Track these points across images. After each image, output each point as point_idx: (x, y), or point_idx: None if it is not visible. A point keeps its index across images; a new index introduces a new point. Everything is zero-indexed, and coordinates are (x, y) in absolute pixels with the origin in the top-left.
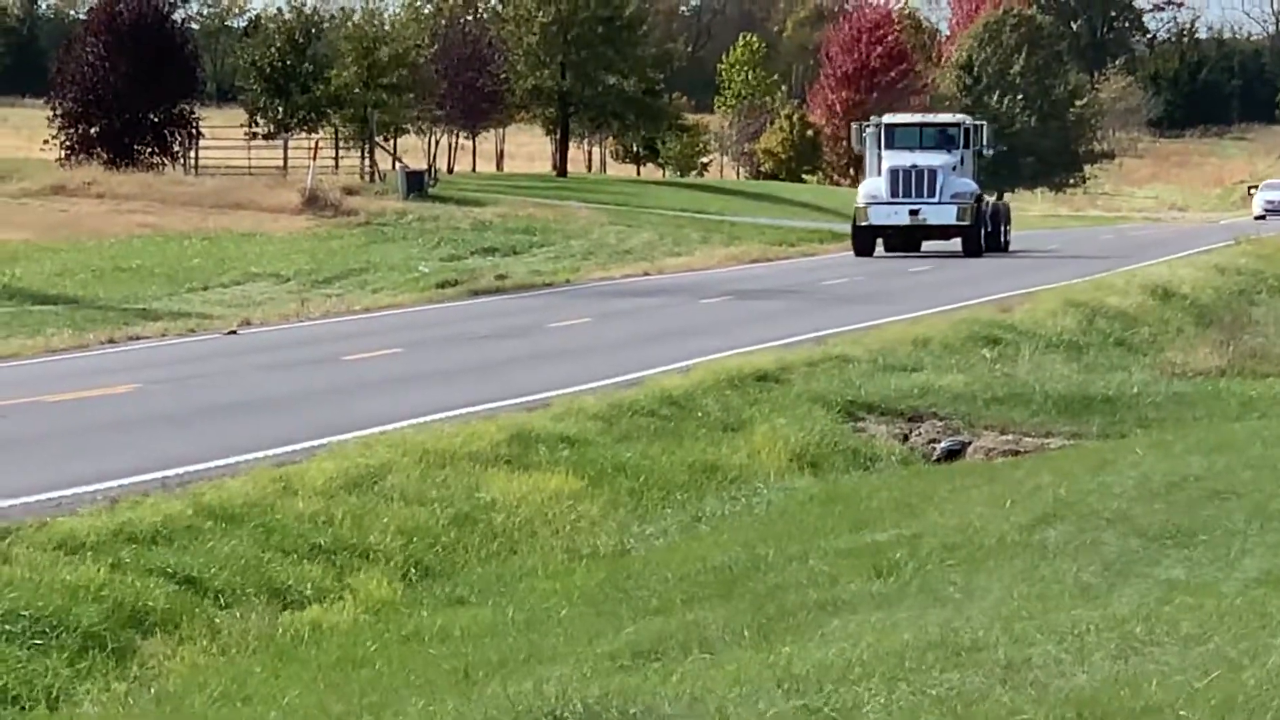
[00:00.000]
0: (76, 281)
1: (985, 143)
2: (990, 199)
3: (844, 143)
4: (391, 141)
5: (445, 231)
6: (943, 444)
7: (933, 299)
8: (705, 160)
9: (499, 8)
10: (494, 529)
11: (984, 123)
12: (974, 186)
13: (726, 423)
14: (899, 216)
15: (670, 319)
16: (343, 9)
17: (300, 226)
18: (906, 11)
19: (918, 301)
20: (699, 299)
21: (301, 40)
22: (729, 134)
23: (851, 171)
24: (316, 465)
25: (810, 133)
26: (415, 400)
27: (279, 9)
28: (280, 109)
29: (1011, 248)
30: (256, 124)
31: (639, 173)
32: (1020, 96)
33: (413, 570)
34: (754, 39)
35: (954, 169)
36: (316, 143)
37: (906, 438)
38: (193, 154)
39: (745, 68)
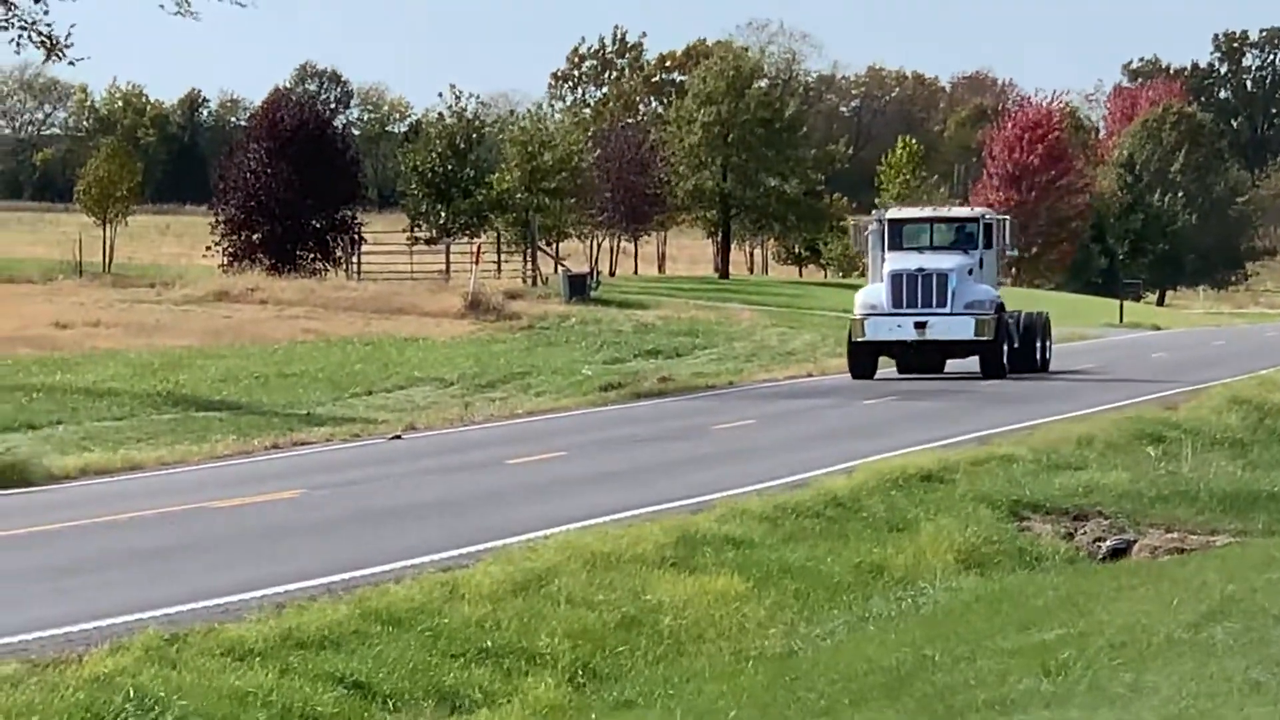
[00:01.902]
0: (240, 387)
1: (1008, 241)
2: (1023, 310)
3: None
4: (554, 245)
5: (608, 334)
6: (1108, 542)
7: (1097, 398)
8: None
9: (660, 110)
10: (661, 631)
11: (1007, 218)
12: (994, 294)
13: (891, 523)
14: (902, 330)
15: (833, 420)
16: (511, 112)
17: (463, 331)
18: (1067, 110)
19: (1080, 400)
20: (862, 400)
21: (463, 145)
22: None
23: (1014, 270)
24: (483, 569)
25: None
26: (580, 503)
27: (440, 114)
28: (442, 213)
29: (1053, 366)
30: (418, 229)
31: (801, 274)
32: (1181, 194)
33: (580, 673)
34: (913, 140)
35: (970, 272)
36: (478, 247)
37: (1071, 536)
38: (355, 259)
39: (905, 168)
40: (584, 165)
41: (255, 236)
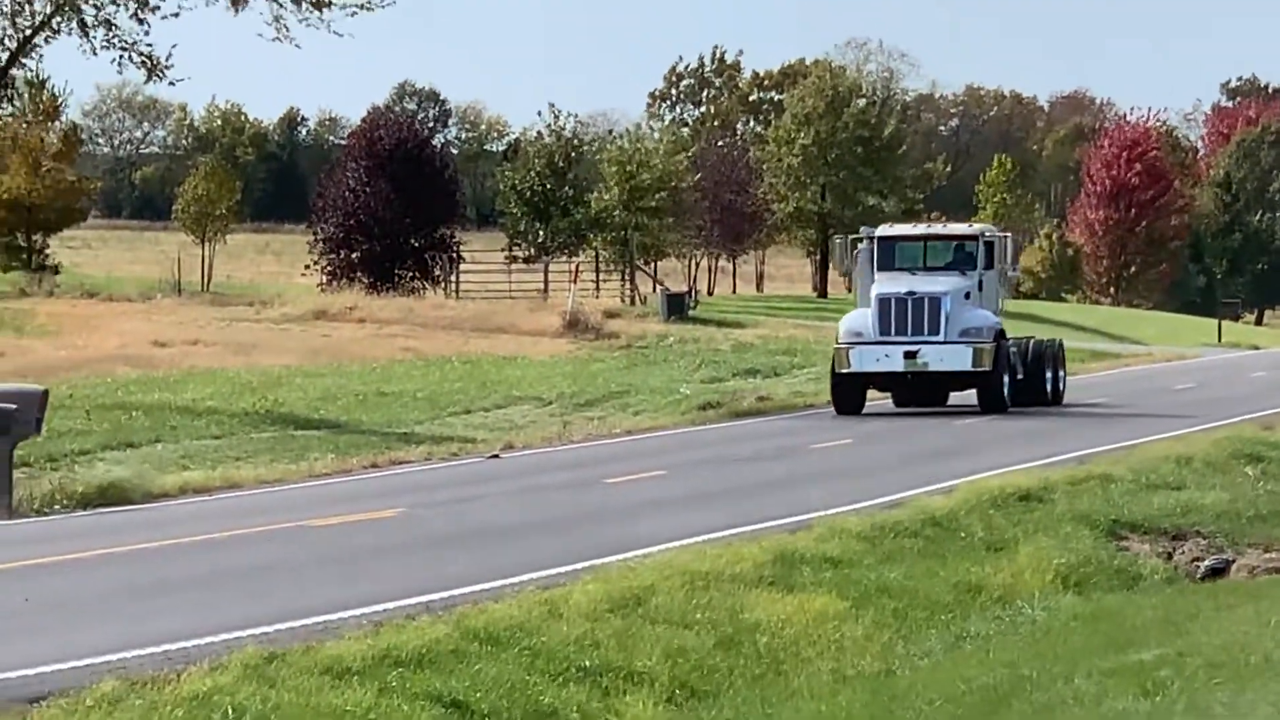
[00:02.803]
0: (339, 406)
1: (1011, 261)
2: (1032, 338)
3: (1104, 261)
4: (652, 264)
5: (706, 353)
6: (1206, 562)
7: (1195, 417)
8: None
9: (759, 129)
10: (759, 650)
11: (1008, 235)
12: (994, 319)
13: (989, 542)
14: (891, 361)
15: (931, 439)
16: (609, 131)
17: (561, 349)
18: (1164, 129)
19: (1178, 420)
20: (956, 420)
21: (562, 164)
22: None
23: (1113, 290)
24: (581, 588)
25: (1070, 251)
26: (678, 522)
27: (539, 133)
28: (541, 232)
29: (1067, 399)
30: (517, 248)
31: None
32: (1279, 213)
33: (678, 692)
34: (1009, 160)
35: (967, 295)
36: (577, 266)
37: (1170, 556)
38: (453, 278)
39: (1003, 187)
40: (682, 184)
41: (354, 255)
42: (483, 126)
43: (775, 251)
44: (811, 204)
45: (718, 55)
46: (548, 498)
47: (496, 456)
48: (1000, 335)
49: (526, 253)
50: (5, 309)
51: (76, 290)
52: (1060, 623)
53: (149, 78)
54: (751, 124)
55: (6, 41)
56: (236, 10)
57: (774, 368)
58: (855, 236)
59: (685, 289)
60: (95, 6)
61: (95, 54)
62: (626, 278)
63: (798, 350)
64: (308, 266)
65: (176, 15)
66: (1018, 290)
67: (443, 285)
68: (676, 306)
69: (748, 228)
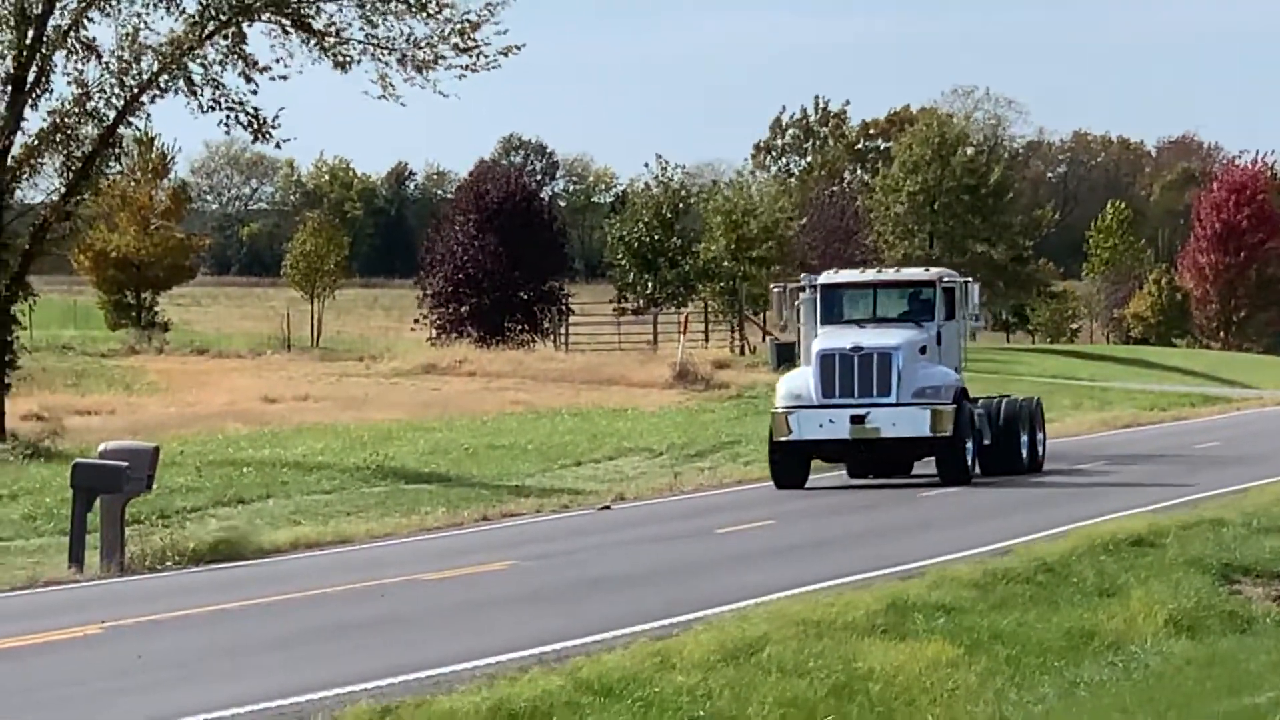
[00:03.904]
0: (449, 459)
1: (975, 310)
2: (1004, 397)
3: (1213, 305)
4: (761, 314)
5: None
6: None
7: None
8: (1074, 326)
9: (866, 178)
10: (872, 699)
11: (970, 280)
12: (954, 377)
13: (1101, 588)
14: (836, 427)
15: (1043, 485)
16: (714, 182)
17: (671, 400)
18: (1272, 173)
19: None
20: (1072, 465)
21: (670, 215)
22: (1097, 299)
23: (1222, 334)
24: (694, 638)
25: (1179, 296)
26: (789, 571)
27: (646, 184)
28: (649, 283)
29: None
30: (625, 299)
31: (1008, 339)
32: None
33: None
34: (1122, 205)
35: (923, 350)
36: (686, 317)
37: None
38: (563, 330)
39: (1114, 233)
40: (789, 233)
41: (463, 309)
42: (590, 178)
43: None
44: (919, 251)
45: (822, 105)
46: (659, 548)
47: (607, 508)
48: (962, 395)
49: (635, 304)
50: (115, 366)
51: (186, 347)
52: (1173, 668)
53: (255, 138)
54: (859, 172)
55: (114, 100)
56: (344, 71)
57: None
58: (796, 285)
59: (794, 339)
60: (203, 66)
61: (203, 112)
62: (735, 328)
63: None
64: (417, 321)
65: (285, 78)
66: (1128, 336)
67: (552, 338)
68: (786, 356)
69: None
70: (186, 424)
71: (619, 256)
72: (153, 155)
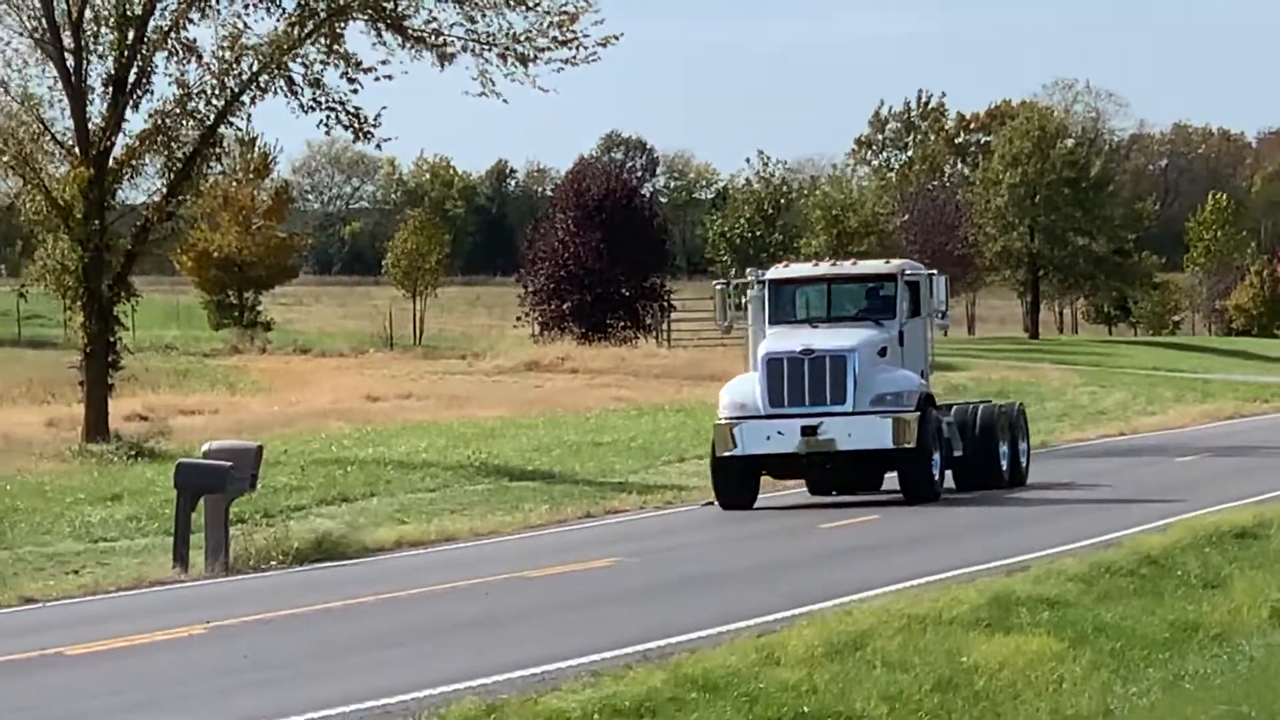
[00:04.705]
0: (552, 457)
1: (941, 306)
2: (979, 403)
3: None
4: None
5: None
6: None
7: None
8: (1176, 318)
9: (966, 172)
10: (977, 693)
11: (935, 273)
12: (917, 382)
13: (1206, 580)
14: (785, 439)
15: (1147, 478)
16: (813, 178)
17: None
18: None
19: None
20: (1175, 458)
21: (771, 210)
22: (1199, 291)
23: None
24: (798, 633)
25: None
26: (892, 567)
27: (747, 180)
28: None
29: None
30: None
31: (1110, 332)
32: None
33: None
34: (1223, 197)
35: (883, 352)
36: None
37: None
38: (665, 327)
39: (1215, 225)
40: (890, 228)
41: (565, 306)
42: (690, 175)
43: (986, 293)
44: (1020, 244)
45: (922, 99)
46: (762, 544)
47: (711, 504)
48: (927, 401)
49: (737, 300)
50: (218, 366)
51: (288, 346)
52: (1279, 660)
53: (356, 138)
54: (958, 166)
55: (214, 100)
56: (443, 67)
57: None
58: (741, 280)
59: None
60: (304, 65)
61: (304, 112)
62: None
63: (1010, 392)
64: (519, 318)
65: (390, 78)
66: (1229, 327)
67: (654, 334)
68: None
69: (958, 270)
70: (289, 423)
71: (720, 252)
72: (254, 155)
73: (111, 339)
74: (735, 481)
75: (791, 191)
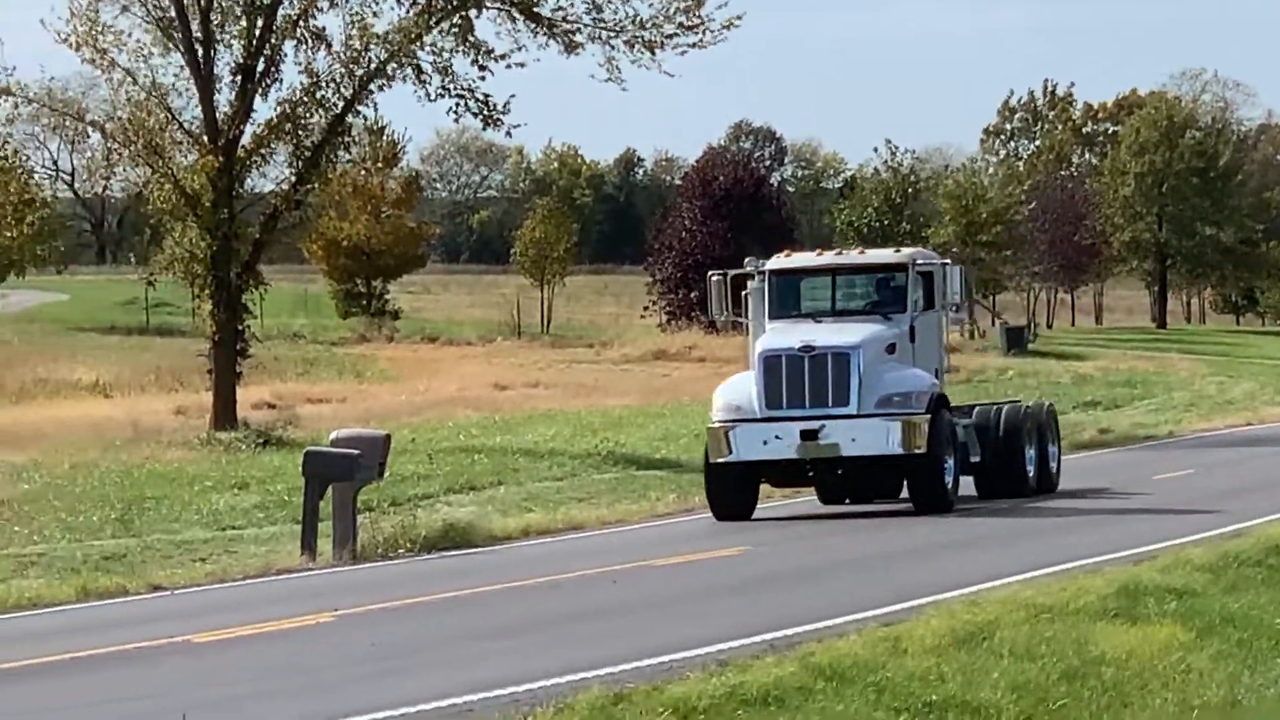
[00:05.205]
0: (680, 445)
1: (957, 297)
2: (1004, 403)
3: None
4: (990, 298)
5: (1046, 386)
6: None
7: None
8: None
9: (1094, 162)
10: (1104, 683)
11: (949, 262)
12: (928, 381)
13: None
14: (783, 444)
15: (1275, 468)
16: (945, 166)
17: None
18: None
19: None
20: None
21: (899, 199)
22: None
23: None
24: (924, 623)
25: None
26: (1020, 555)
27: (875, 169)
28: None
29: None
30: None
31: (1238, 322)
32: None
33: None
34: None
35: (892, 349)
36: None
37: None
38: None
39: None
40: (1019, 218)
41: (692, 295)
42: (818, 164)
43: (1114, 283)
44: (1148, 234)
45: (1049, 88)
46: (890, 532)
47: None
48: (939, 402)
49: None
50: (346, 354)
51: (416, 335)
52: None
53: (485, 125)
54: (1086, 156)
55: (343, 89)
56: (570, 54)
57: (1114, 399)
58: (739, 272)
59: (1024, 322)
60: (433, 53)
61: (431, 100)
62: (965, 312)
63: (1138, 382)
64: (647, 308)
65: (523, 66)
66: None
67: None
68: (1016, 340)
69: (1085, 260)
70: (417, 411)
71: (848, 241)
72: (383, 144)
73: (240, 327)
74: (731, 490)
75: (919, 181)
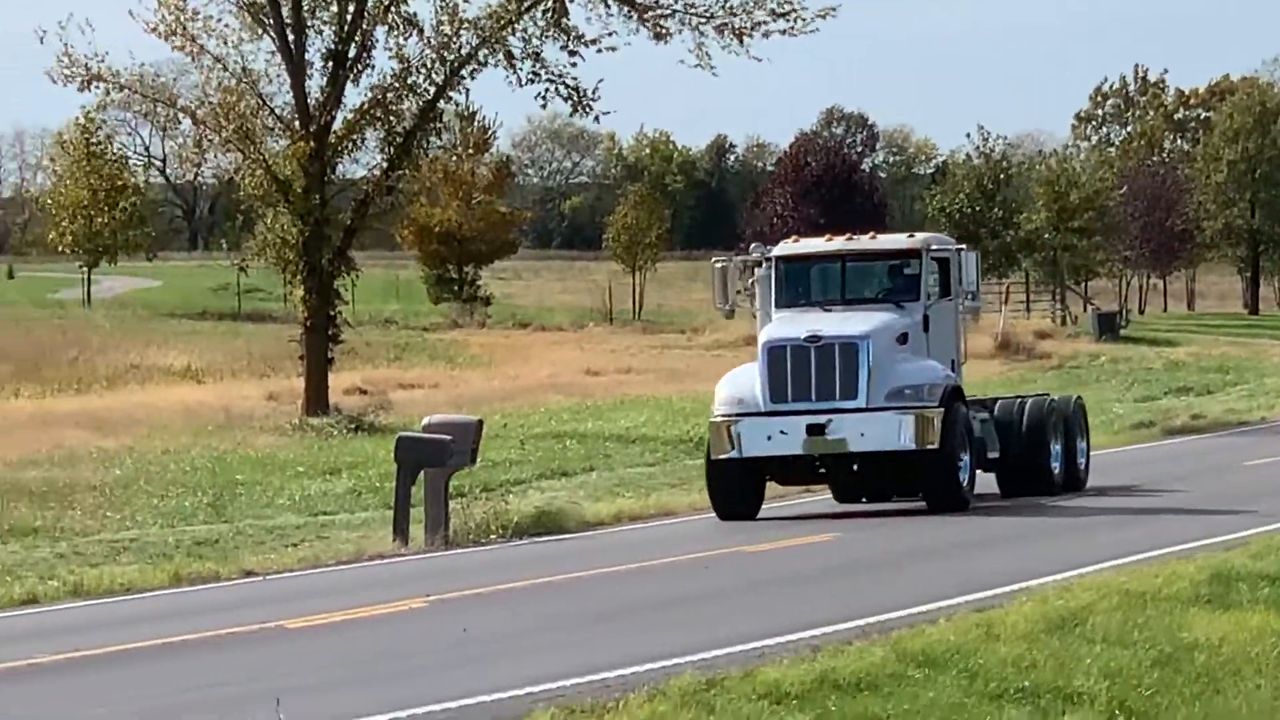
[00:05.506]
0: None
1: (972, 286)
2: (1028, 397)
3: None
4: (1082, 284)
5: (1138, 372)
6: None
7: None
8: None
9: (1186, 148)
10: (1196, 669)
11: (964, 248)
12: (942, 373)
13: None
14: (788, 439)
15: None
16: (1038, 152)
17: (994, 371)
18: None
19: None
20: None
21: (991, 186)
22: None
23: None
24: (1016, 609)
25: None
26: (1111, 541)
27: (967, 155)
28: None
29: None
30: None
31: None
32: None
33: (1117, 713)
34: None
35: (904, 339)
36: (1008, 287)
37: None
38: None
39: None
40: (1111, 204)
41: None
42: (910, 150)
43: (1206, 269)
44: (1240, 220)
45: (1140, 74)
46: (977, 521)
47: None
48: (954, 395)
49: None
50: (438, 340)
51: (508, 321)
52: None
53: (574, 111)
54: (1179, 142)
55: (434, 74)
56: (661, 42)
57: (1206, 385)
58: (745, 258)
59: (1116, 308)
60: (523, 39)
61: (521, 85)
62: (1057, 298)
63: (1230, 368)
64: (739, 292)
65: (614, 49)
66: None
67: None
68: (1108, 326)
69: (1177, 246)
70: (509, 397)
71: (940, 228)
72: (474, 130)
73: (331, 313)
74: (734, 488)
75: (1011, 167)
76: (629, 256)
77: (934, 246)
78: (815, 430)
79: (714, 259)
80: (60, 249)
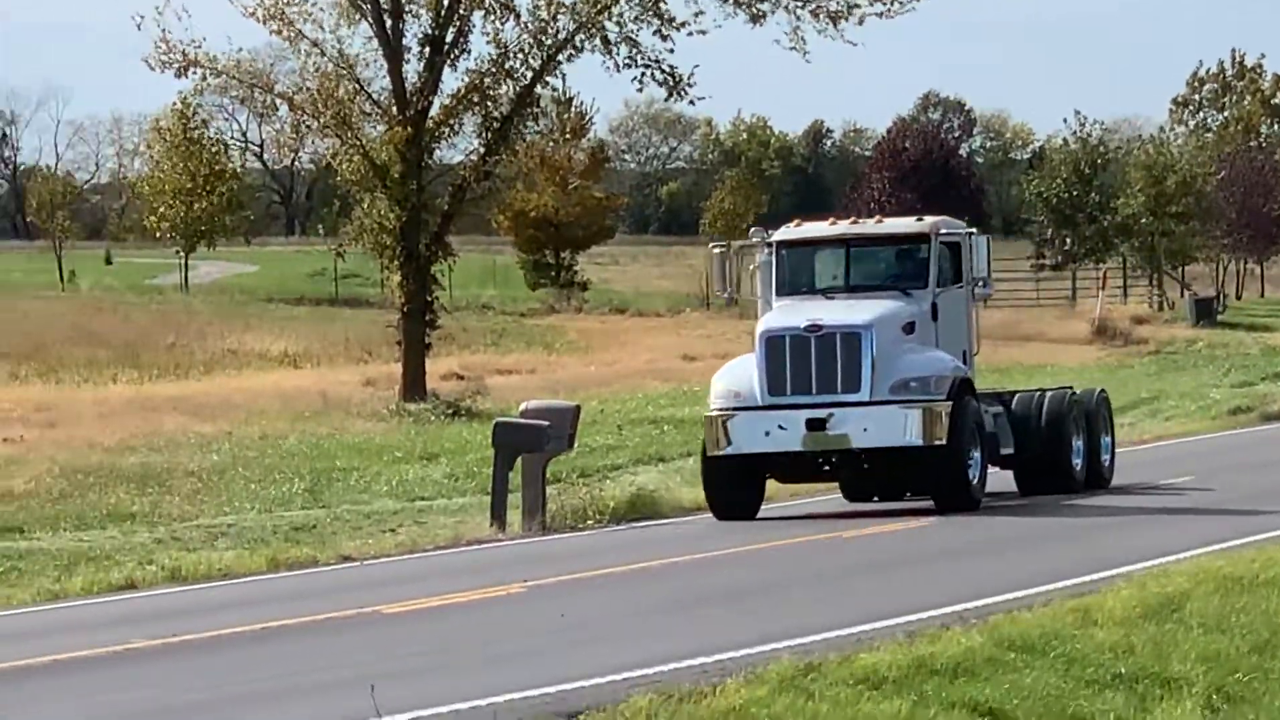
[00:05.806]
0: None
1: (983, 272)
2: (1047, 389)
3: None
4: (1179, 269)
5: (1235, 358)
6: None
7: None
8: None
9: None
10: None
11: (975, 232)
12: (950, 364)
13: None
14: (787, 435)
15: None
16: (1136, 136)
17: (1090, 357)
18: None
19: None
20: None
21: (1088, 170)
22: None
23: None
24: (1113, 594)
25: None
26: (1209, 527)
27: (1064, 140)
28: (1068, 240)
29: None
30: (1044, 255)
31: None
32: None
33: (1215, 698)
34: None
35: (910, 328)
36: (1105, 272)
37: None
38: None
39: None
40: (1208, 189)
41: None
42: (1007, 135)
43: None
44: None
45: (1238, 59)
46: (1075, 506)
47: None
48: (964, 388)
49: (1053, 260)
50: (535, 326)
51: (605, 306)
52: None
53: (670, 95)
54: (1276, 127)
55: (531, 59)
56: (756, 24)
57: None
58: (745, 243)
59: (1213, 294)
60: (618, 24)
61: (618, 70)
62: (1154, 283)
63: None
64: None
65: (704, 33)
66: None
67: None
68: (1205, 311)
69: (1275, 231)
70: (606, 383)
71: (1037, 213)
72: (571, 115)
73: (429, 298)
74: (730, 486)
75: (1108, 152)
76: (726, 241)
77: (943, 230)
78: (815, 425)
79: (711, 244)
80: (157, 234)
